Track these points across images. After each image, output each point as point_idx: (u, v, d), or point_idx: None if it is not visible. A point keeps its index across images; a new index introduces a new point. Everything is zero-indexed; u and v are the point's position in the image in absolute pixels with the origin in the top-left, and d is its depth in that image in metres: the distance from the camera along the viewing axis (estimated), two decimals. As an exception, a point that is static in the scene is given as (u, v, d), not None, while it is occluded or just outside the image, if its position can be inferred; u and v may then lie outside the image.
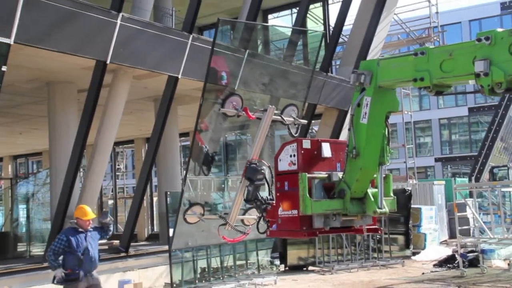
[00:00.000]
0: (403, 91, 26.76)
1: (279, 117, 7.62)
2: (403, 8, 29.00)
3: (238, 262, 15.98)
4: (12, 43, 11.58)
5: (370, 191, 6.40)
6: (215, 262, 15.44)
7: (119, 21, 13.35)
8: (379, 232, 7.14)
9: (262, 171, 6.94)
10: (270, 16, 24.76)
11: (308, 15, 22.12)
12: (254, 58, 16.49)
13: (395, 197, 6.85)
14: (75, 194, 14.79)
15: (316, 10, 23.71)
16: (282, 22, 25.50)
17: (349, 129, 6.32)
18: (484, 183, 25.29)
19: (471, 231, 18.51)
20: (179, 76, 15.05)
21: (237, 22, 16.63)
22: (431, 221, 22.81)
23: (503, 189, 18.50)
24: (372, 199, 6.36)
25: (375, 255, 18.77)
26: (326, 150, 6.58)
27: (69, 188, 14.04)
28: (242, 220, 7.49)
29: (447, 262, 17.73)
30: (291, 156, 6.45)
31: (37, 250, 18.04)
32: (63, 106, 16.15)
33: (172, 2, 18.43)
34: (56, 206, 14.28)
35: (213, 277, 15.08)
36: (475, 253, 17.11)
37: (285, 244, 17.70)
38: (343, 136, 22.29)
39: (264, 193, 7.03)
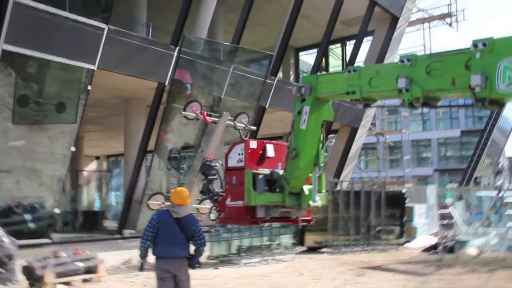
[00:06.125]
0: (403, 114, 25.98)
1: (232, 123, 7.24)
2: (403, 50, 28.53)
3: (266, 243, 15.69)
4: (95, 69, 11.82)
5: (306, 187, 5.96)
6: (247, 242, 15.24)
7: (175, 53, 13.44)
8: (312, 223, 6.38)
9: (215, 167, 6.56)
10: (301, 53, 24.49)
11: (330, 53, 21.85)
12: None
13: (327, 192, 6.33)
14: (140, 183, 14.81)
15: (336, 49, 23.43)
16: (311, 58, 25.07)
17: (289, 133, 5.88)
18: (462, 188, 24.48)
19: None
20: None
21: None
22: (422, 217, 22.14)
23: (477, 193, 17.84)
24: (307, 193, 5.93)
25: (375, 241, 18.28)
26: (270, 150, 6.17)
27: (135, 178, 14.14)
28: (198, 209, 7.02)
29: (432, 249, 17.19)
30: (239, 154, 6.05)
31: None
32: (137, 118, 16.21)
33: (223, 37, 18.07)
34: (126, 192, 14.40)
35: (244, 253, 14.89)
36: (454, 242, 16.61)
37: (303, 230, 17.33)
38: (354, 149, 21.81)
39: (217, 186, 6.59)
